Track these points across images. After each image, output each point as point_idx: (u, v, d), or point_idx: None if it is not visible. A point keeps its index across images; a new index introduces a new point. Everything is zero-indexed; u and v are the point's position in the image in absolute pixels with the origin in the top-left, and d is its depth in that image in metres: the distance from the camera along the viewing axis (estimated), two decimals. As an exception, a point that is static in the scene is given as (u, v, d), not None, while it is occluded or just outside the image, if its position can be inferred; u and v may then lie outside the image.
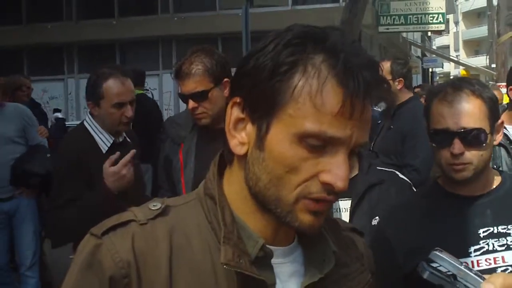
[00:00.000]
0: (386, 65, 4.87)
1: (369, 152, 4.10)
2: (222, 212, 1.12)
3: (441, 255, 1.71)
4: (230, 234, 1.10)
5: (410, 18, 20.94)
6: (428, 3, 21.09)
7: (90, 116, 3.36)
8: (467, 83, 2.05)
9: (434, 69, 39.92)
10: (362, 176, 2.53)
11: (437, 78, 44.41)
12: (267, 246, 1.11)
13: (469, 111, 1.99)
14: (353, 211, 2.47)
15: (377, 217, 2.40)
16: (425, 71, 34.91)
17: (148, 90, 14.33)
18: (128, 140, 3.50)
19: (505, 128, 3.68)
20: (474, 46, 62.53)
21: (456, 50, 63.46)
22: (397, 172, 2.67)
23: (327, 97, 1.02)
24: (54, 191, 3.36)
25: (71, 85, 21.78)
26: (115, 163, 3.11)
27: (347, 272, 1.24)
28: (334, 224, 1.29)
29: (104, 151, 3.31)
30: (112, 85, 3.25)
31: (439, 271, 1.69)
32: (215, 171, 1.18)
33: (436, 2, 21.23)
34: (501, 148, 3.65)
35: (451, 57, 44.33)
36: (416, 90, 7.72)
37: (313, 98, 1.03)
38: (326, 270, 1.16)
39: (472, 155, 2.00)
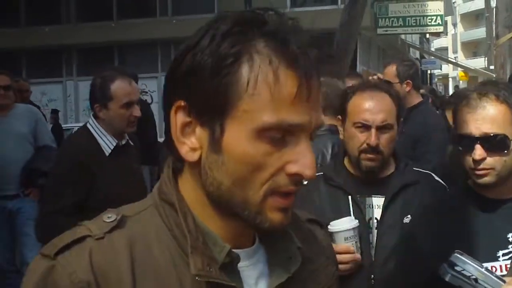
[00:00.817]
0: (392, 69, 4.79)
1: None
2: (184, 218, 1.05)
3: (463, 258, 1.72)
4: (196, 242, 1.04)
5: (408, 20, 20.93)
6: (426, 5, 21.09)
7: (93, 119, 3.37)
8: (494, 87, 2.03)
9: (432, 71, 39.93)
10: (398, 175, 2.56)
11: (436, 80, 44.45)
12: (233, 250, 1.06)
13: (492, 117, 1.98)
14: (385, 208, 2.49)
15: (409, 216, 2.42)
16: (423, 73, 34.89)
17: (147, 92, 14.36)
18: (131, 143, 3.50)
19: None
20: (472, 48, 62.54)
21: (455, 52, 63.45)
22: (433, 174, 2.68)
23: (280, 83, 0.97)
24: (52, 193, 3.32)
25: (70, 87, 21.78)
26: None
27: (313, 267, 1.20)
28: (294, 217, 1.20)
29: (107, 154, 3.32)
30: (120, 86, 3.28)
31: (461, 273, 1.70)
32: (170, 174, 1.10)
33: (434, 4, 21.22)
34: None
35: (449, 59, 44.29)
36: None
37: (266, 87, 0.97)
38: (294, 269, 1.11)
39: (495, 161, 1.99)
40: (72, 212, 3.19)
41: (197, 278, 1.01)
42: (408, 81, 4.77)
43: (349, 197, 2.50)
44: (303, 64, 0.98)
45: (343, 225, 2.39)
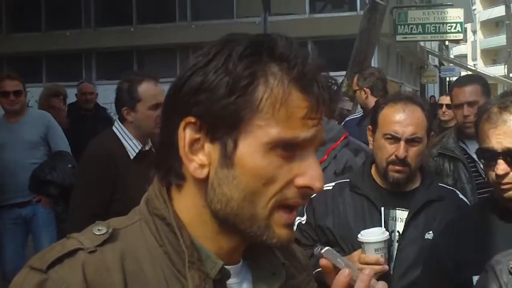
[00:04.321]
0: (355, 77, 5.50)
1: None
2: (180, 233, 1.05)
3: None
4: (192, 257, 1.04)
5: (428, 27, 20.86)
6: (446, 12, 21.01)
7: (119, 123, 3.43)
8: None
9: (451, 78, 39.69)
10: (424, 190, 2.57)
11: (455, 87, 44.02)
12: (225, 267, 1.07)
13: None
14: (408, 222, 2.49)
15: (430, 232, 2.42)
16: (442, 80, 34.70)
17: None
18: (153, 150, 3.51)
19: (463, 143, 3.67)
20: (492, 55, 62.10)
21: (474, 59, 63.07)
22: (457, 192, 2.69)
23: (294, 103, 1.01)
24: (82, 198, 3.35)
25: (89, 91, 21.92)
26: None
27: (295, 283, 1.21)
28: None
29: (132, 157, 3.37)
30: (148, 88, 3.35)
31: None
32: (161, 191, 1.10)
33: (454, 11, 21.13)
34: (459, 162, 3.67)
35: (468, 66, 44.02)
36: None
37: (281, 107, 1.01)
38: (278, 285, 1.13)
39: None
40: (102, 214, 3.21)
41: None
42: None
43: (382, 208, 2.50)
44: (316, 88, 1.03)
45: (375, 236, 2.38)
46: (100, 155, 3.36)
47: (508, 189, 1.99)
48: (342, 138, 3.68)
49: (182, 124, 1.04)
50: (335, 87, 1.08)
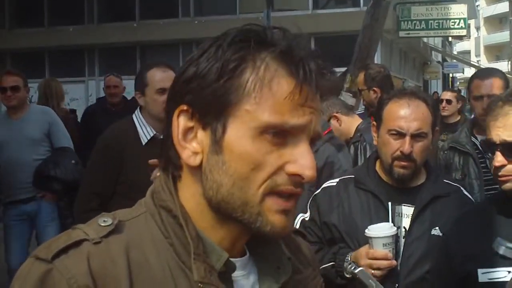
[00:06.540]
0: (360, 76, 5.00)
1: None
2: (186, 225, 1.06)
3: None
4: (197, 249, 1.04)
5: (431, 23, 20.84)
6: (449, 8, 20.97)
7: (139, 110, 3.60)
8: None
9: (454, 74, 39.68)
10: (429, 186, 2.56)
11: (458, 83, 44.16)
12: (231, 259, 1.07)
13: None
14: (415, 218, 2.49)
15: (437, 227, 2.42)
16: (445, 76, 34.71)
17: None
18: None
19: (475, 137, 3.66)
20: (495, 52, 62.01)
21: (477, 55, 62.99)
22: (462, 188, 2.69)
23: (281, 87, 1.02)
24: (88, 176, 3.66)
25: (92, 87, 21.95)
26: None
27: (301, 278, 1.20)
28: None
29: (143, 143, 3.51)
30: (155, 73, 3.54)
31: None
32: (167, 182, 1.10)
33: (457, 7, 21.10)
34: (469, 157, 3.65)
35: (472, 62, 43.98)
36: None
37: (268, 91, 1.01)
38: (283, 279, 1.13)
39: None
40: (108, 197, 3.43)
41: (200, 285, 1.03)
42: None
43: (389, 204, 2.50)
44: (302, 72, 1.03)
45: (383, 231, 2.38)
46: (108, 139, 3.56)
47: (505, 181, 2.00)
48: (325, 132, 3.66)
49: (176, 112, 1.06)
50: (330, 76, 1.07)
